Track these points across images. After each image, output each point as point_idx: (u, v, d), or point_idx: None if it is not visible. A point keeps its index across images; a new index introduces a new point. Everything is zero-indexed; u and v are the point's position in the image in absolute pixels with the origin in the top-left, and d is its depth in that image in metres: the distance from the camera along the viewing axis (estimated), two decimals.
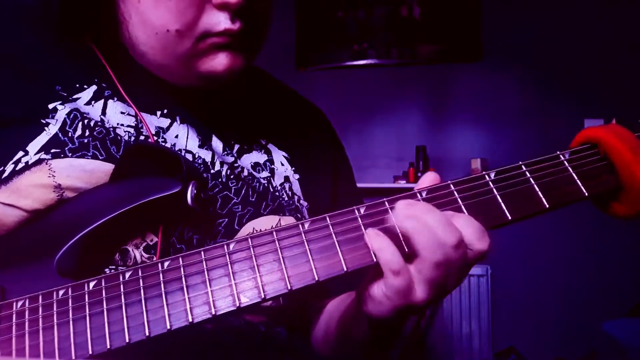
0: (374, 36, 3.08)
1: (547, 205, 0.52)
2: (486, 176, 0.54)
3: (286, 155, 0.74)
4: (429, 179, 0.54)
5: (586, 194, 0.53)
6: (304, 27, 3.24)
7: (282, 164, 0.72)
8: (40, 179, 0.57)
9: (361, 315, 0.54)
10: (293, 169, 0.73)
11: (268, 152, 0.72)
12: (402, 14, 3.07)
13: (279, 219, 0.67)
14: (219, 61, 0.60)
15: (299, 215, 0.70)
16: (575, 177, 0.54)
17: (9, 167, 0.57)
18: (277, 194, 0.69)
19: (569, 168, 0.54)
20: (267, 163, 0.71)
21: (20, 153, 0.58)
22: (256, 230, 0.64)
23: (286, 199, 0.70)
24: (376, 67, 3.21)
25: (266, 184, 0.69)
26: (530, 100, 3.10)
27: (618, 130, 0.55)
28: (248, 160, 0.70)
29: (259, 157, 0.71)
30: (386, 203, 0.52)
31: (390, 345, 0.60)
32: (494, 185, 0.53)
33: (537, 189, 0.53)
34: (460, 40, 3.08)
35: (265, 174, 0.70)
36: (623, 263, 2.89)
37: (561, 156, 0.55)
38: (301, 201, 0.72)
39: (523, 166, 0.54)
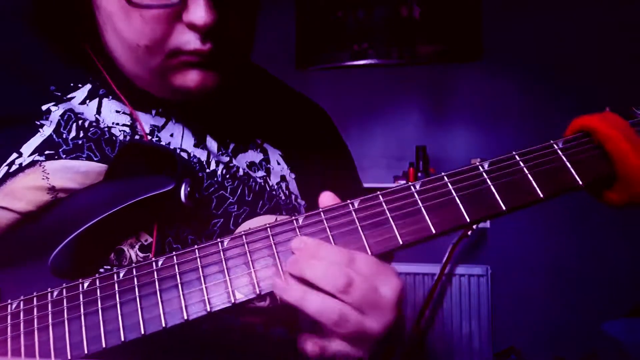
0: (374, 36, 3.07)
1: (542, 195, 0.52)
2: (480, 167, 0.54)
3: (282, 154, 0.73)
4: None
5: (580, 183, 0.53)
6: (303, 27, 3.24)
7: (279, 163, 0.72)
8: (34, 181, 0.56)
9: None
10: (289, 168, 0.73)
11: (264, 151, 0.72)
12: (402, 14, 3.06)
13: (276, 219, 0.66)
14: (191, 78, 0.58)
15: (296, 214, 0.70)
16: (570, 166, 0.53)
17: (3, 169, 0.57)
18: (273, 192, 0.69)
19: (563, 157, 0.54)
20: (263, 162, 0.70)
21: (14, 155, 0.58)
22: None
23: (283, 198, 0.70)
24: (376, 67, 3.20)
25: (262, 183, 0.68)
26: (530, 100, 3.09)
27: (612, 118, 0.55)
28: (244, 159, 0.69)
29: (254, 156, 0.70)
30: (380, 197, 0.52)
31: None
32: (488, 176, 0.53)
33: (531, 179, 0.53)
34: (460, 40, 3.07)
35: (261, 173, 0.69)
36: (623, 263, 2.88)
37: (555, 145, 0.55)
38: (298, 200, 0.72)
39: (517, 156, 0.54)
